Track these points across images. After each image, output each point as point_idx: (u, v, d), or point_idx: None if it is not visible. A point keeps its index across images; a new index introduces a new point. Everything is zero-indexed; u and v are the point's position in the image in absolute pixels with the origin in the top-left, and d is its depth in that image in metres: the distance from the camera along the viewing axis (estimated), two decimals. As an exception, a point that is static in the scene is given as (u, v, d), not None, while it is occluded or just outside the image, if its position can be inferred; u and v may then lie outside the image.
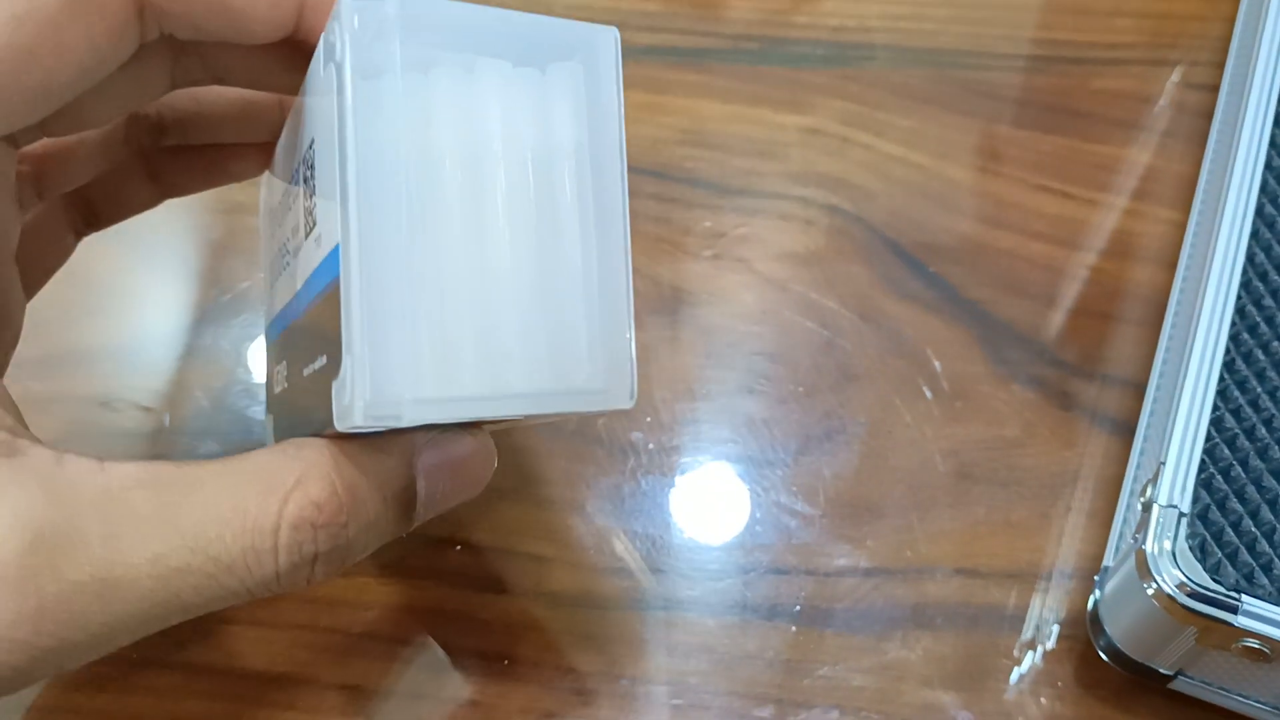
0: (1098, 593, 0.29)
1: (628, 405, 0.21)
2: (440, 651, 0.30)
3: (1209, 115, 0.41)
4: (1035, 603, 0.31)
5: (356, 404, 0.19)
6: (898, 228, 0.38)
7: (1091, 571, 0.31)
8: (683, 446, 0.34)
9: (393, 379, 0.19)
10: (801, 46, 0.43)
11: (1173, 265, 0.37)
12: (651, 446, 0.34)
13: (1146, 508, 0.26)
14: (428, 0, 0.20)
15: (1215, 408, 0.27)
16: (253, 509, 0.20)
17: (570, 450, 0.33)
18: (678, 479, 0.33)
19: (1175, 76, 0.43)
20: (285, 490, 0.20)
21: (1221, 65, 0.42)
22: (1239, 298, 0.28)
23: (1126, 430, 0.34)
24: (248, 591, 0.21)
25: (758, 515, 0.33)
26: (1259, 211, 0.30)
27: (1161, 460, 0.26)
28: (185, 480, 0.21)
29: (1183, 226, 0.38)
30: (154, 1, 0.21)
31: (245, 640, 0.30)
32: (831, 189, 0.39)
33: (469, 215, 0.20)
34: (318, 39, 0.20)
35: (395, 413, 0.19)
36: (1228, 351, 0.28)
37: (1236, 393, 0.27)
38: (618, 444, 0.34)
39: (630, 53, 0.43)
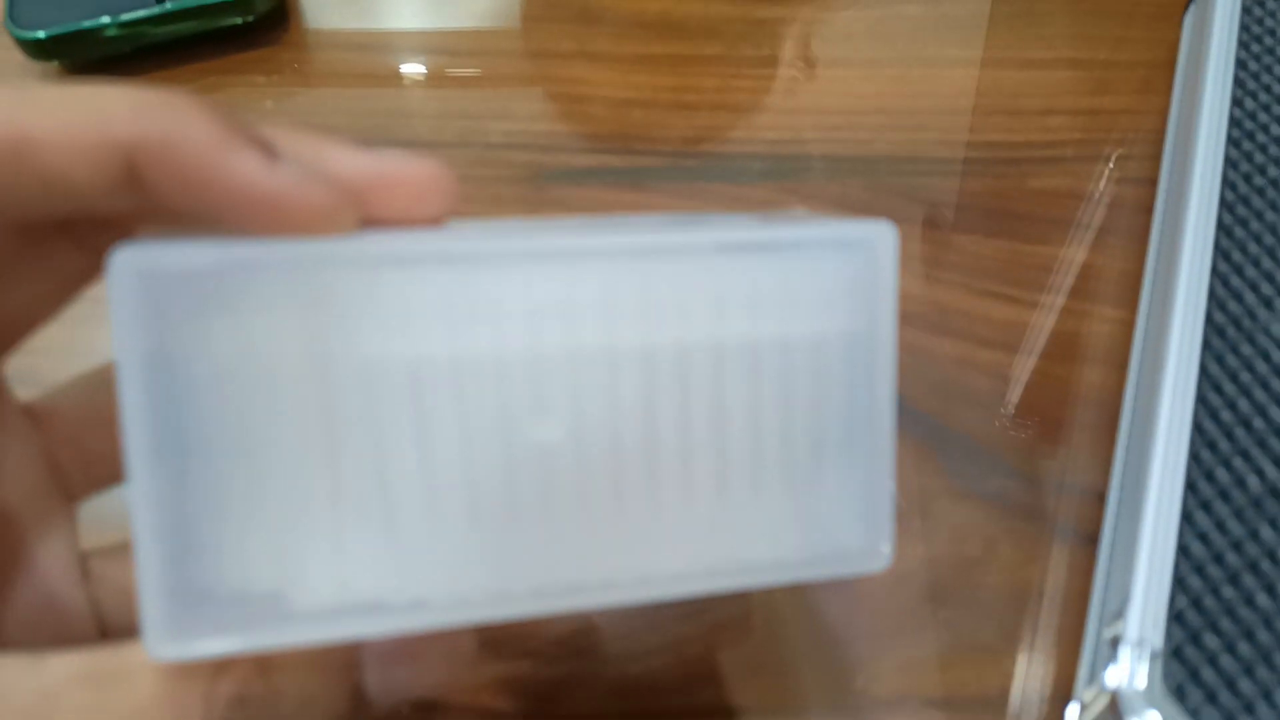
0: (1072, 724, 0.27)
1: (883, 566, 0.20)
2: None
3: (1149, 210, 0.40)
4: (1011, 735, 0.30)
5: None
6: (845, 341, 0.38)
7: (1063, 697, 0.30)
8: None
9: None
10: (739, 161, 0.42)
11: (1123, 366, 0.37)
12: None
13: (1115, 644, 0.24)
14: None
15: (1180, 533, 0.26)
16: (180, 692, 0.19)
17: None
18: None
19: (1112, 172, 0.43)
20: (213, 669, 0.19)
21: (1157, 158, 0.42)
22: (1194, 412, 0.27)
23: (1089, 540, 0.33)
24: None
25: (717, 655, 0.31)
26: (1208, 319, 0.29)
27: (1128, 593, 0.25)
28: (120, 671, 0.19)
29: (1130, 325, 0.37)
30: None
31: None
32: (776, 304, 0.38)
33: None
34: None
35: None
36: (1188, 471, 0.26)
37: (1201, 515, 0.26)
38: None
39: (569, 175, 0.42)
